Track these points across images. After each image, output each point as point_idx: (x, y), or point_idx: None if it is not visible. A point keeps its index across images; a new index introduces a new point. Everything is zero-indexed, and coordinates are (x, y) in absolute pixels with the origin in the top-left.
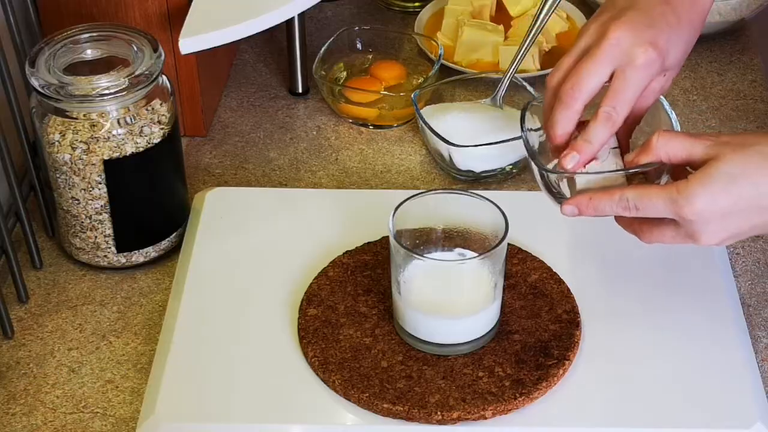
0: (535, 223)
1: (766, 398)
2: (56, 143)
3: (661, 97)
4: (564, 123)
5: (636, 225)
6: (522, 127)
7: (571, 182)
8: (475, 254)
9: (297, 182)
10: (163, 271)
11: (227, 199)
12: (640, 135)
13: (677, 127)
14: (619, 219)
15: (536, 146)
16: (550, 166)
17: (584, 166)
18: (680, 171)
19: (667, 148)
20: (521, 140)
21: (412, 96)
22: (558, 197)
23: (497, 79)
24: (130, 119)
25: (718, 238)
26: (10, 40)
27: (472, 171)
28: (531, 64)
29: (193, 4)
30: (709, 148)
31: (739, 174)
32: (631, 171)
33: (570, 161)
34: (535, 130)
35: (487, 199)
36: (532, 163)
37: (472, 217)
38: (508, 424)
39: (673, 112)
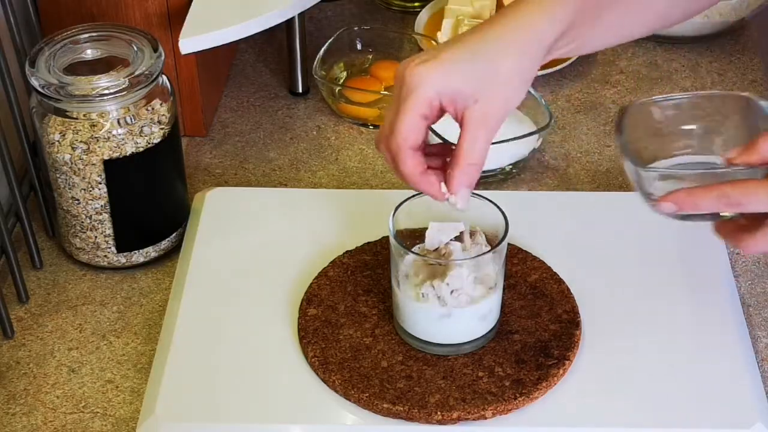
0: (535, 223)
1: (766, 398)
2: (56, 143)
3: (758, 99)
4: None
5: (740, 234)
6: (620, 128)
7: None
8: (476, 254)
9: (297, 182)
10: (163, 271)
11: (227, 199)
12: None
13: None
14: (720, 227)
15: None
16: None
17: None
18: None
19: None
20: (530, 137)
21: None
22: (650, 197)
23: None
24: (130, 119)
25: None
26: (10, 40)
27: None
28: None
29: (193, 4)
30: None
31: None
32: (734, 170)
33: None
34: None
35: (487, 199)
36: (628, 163)
37: (473, 217)
38: (508, 424)
39: None
